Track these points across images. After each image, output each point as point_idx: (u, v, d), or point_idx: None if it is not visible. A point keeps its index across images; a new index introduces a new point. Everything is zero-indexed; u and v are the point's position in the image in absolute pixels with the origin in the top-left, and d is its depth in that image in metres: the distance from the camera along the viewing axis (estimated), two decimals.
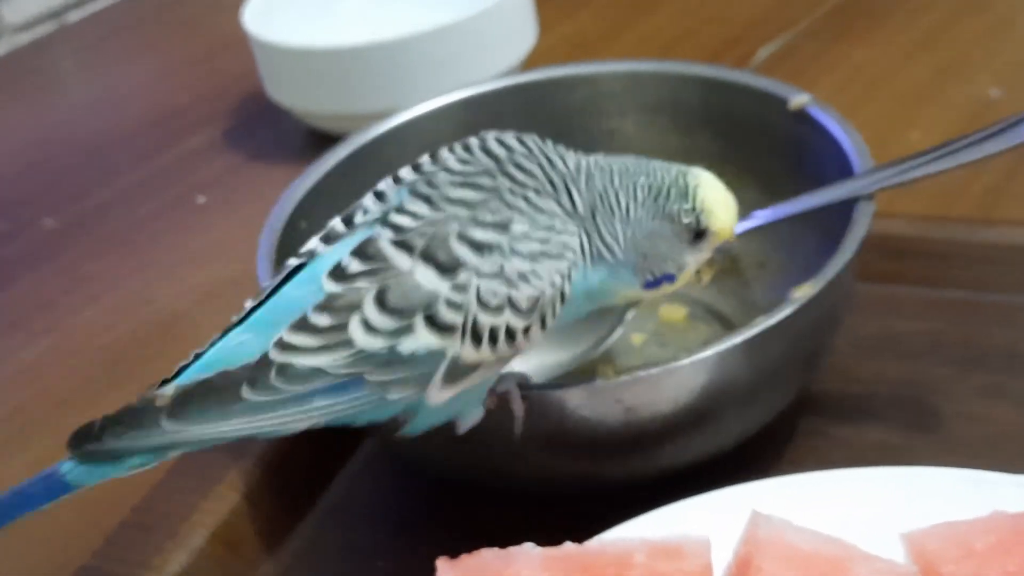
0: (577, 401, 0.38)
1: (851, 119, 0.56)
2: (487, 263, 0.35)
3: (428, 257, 0.35)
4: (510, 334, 0.35)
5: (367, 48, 0.67)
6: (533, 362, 0.50)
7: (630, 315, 0.49)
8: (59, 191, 0.75)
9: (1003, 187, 0.57)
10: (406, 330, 0.34)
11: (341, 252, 0.36)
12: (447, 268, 0.35)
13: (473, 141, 0.39)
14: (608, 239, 0.37)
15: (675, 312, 0.52)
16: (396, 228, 0.36)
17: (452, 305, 0.35)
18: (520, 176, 0.37)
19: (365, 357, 0.35)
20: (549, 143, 0.39)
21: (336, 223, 0.38)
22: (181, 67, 0.91)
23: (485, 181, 0.37)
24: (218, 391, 0.35)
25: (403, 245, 0.35)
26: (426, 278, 0.35)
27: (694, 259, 0.38)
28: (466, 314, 0.35)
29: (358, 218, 0.38)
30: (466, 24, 0.67)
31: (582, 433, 0.39)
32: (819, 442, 0.45)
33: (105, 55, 0.97)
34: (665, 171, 0.37)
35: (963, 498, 0.36)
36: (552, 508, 0.42)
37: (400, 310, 0.35)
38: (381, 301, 0.35)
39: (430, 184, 0.37)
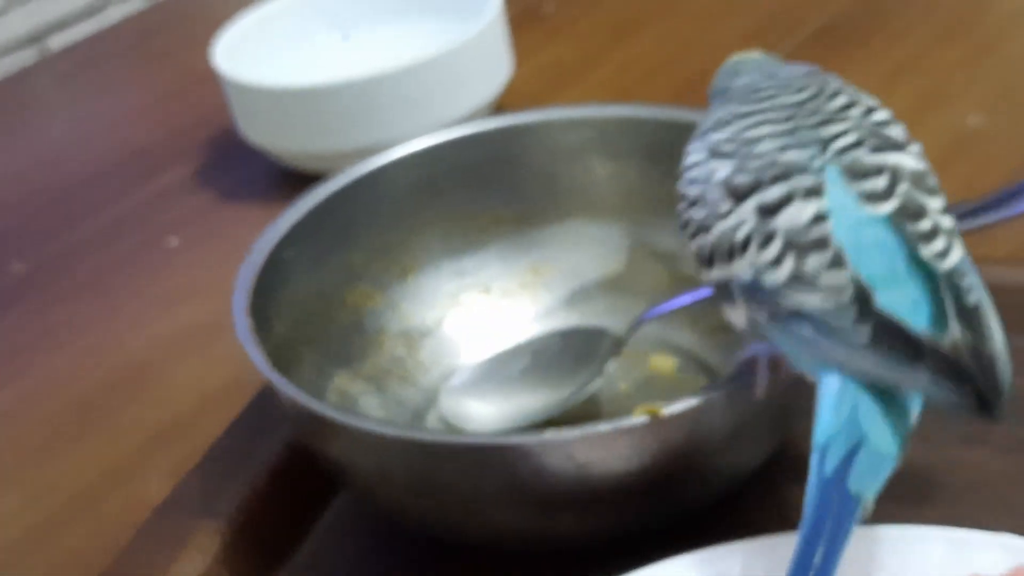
0: (528, 455, 0.37)
1: None
2: None
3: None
4: None
5: (339, 87, 0.66)
6: (512, 407, 0.49)
7: (611, 365, 0.48)
8: (28, 233, 0.74)
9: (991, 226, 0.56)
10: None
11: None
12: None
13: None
14: None
15: (665, 362, 0.51)
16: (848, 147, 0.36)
17: None
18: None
19: None
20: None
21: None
22: (156, 101, 0.90)
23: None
24: None
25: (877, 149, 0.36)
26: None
27: None
28: None
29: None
30: (438, 61, 0.66)
31: (535, 489, 0.38)
32: (795, 498, 0.44)
33: (81, 89, 0.96)
34: None
35: (940, 560, 0.35)
36: (527, 565, 0.41)
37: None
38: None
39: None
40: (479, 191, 0.54)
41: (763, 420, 0.40)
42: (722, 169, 0.37)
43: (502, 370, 0.51)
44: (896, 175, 0.36)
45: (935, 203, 0.36)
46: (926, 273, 0.34)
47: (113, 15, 1.12)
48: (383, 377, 0.51)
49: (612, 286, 0.54)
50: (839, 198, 0.35)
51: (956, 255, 0.35)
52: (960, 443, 0.45)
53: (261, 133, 0.70)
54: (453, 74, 0.67)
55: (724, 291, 0.37)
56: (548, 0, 0.90)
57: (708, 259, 0.37)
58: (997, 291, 0.47)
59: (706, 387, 0.38)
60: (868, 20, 0.78)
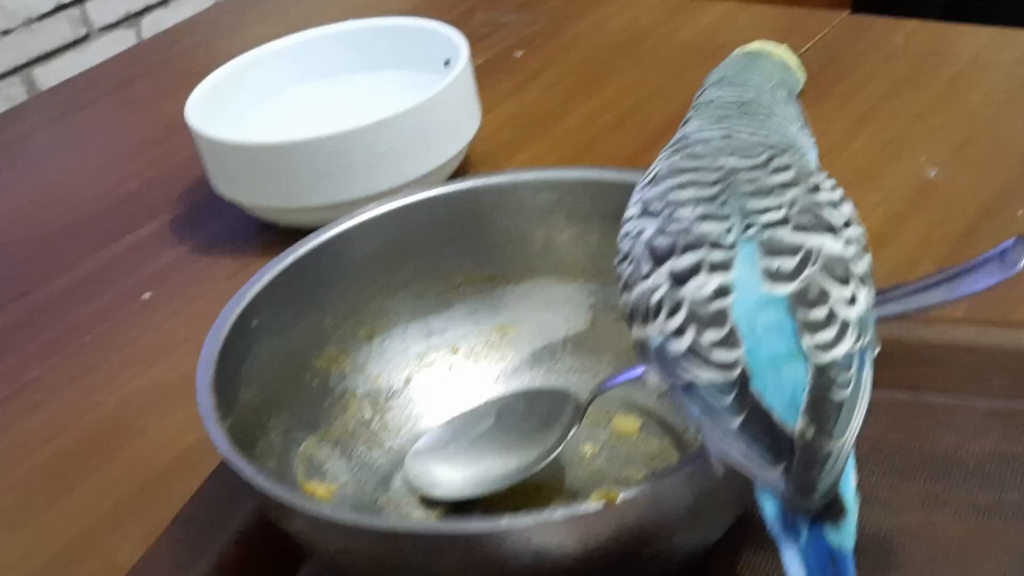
0: (483, 542, 0.38)
1: None
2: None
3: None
4: None
5: (309, 144, 0.67)
6: (478, 471, 0.50)
7: (573, 430, 0.49)
8: (2, 289, 0.74)
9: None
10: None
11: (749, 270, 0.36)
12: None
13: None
14: None
15: (629, 424, 0.51)
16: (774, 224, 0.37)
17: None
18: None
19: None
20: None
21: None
22: (132, 151, 0.90)
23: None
24: None
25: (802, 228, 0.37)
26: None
27: None
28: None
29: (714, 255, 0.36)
30: (406, 116, 0.67)
31: (492, 572, 0.38)
32: (760, 563, 0.45)
33: (58, 137, 0.97)
34: None
35: None
36: None
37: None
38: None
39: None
40: (448, 251, 0.55)
41: (722, 497, 0.41)
42: (648, 229, 0.38)
43: (467, 432, 0.52)
44: (809, 257, 0.36)
45: (842, 291, 0.36)
46: (806, 362, 0.34)
47: (98, 50, 1.12)
48: (350, 440, 0.52)
49: (579, 346, 0.55)
50: (745, 274, 0.35)
51: (844, 347, 0.35)
52: (920, 508, 0.46)
53: (233, 188, 0.71)
54: (422, 128, 0.68)
55: (642, 351, 0.38)
56: (516, 47, 0.92)
57: (630, 317, 0.38)
58: (898, 349, 0.48)
59: (660, 472, 0.38)
60: (831, 72, 0.79)
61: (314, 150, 0.67)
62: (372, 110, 0.68)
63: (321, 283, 0.53)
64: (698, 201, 0.38)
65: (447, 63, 0.74)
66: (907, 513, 0.46)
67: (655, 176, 0.40)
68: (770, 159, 0.39)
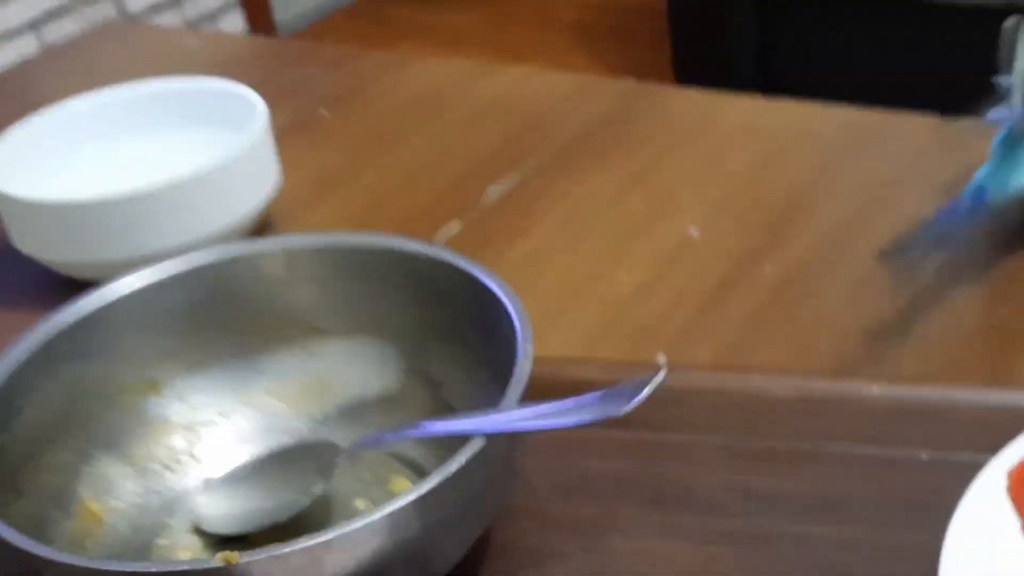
0: None
1: (568, 255, 0.67)
2: None
3: None
4: None
5: (104, 203, 0.69)
6: (252, 508, 0.53)
7: (335, 472, 0.53)
8: None
9: (693, 327, 0.64)
10: None
11: None
12: None
13: None
14: None
15: (402, 484, 0.54)
16: None
17: None
18: None
19: None
20: None
21: None
22: None
23: None
24: None
25: None
26: None
27: None
28: None
29: None
30: (200, 176, 0.70)
31: None
32: None
33: None
34: None
35: None
36: None
37: None
38: None
39: None
40: (264, 307, 0.58)
41: (451, 522, 0.45)
42: None
43: (252, 473, 0.55)
44: None
45: None
46: None
47: None
48: (149, 465, 0.55)
49: (384, 403, 0.58)
50: None
51: None
52: (658, 535, 0.51)
53: (32, 244, 0.73)
54: (217, 188, 0.71)
55: None
56: (322, 105, 0.95)
57: None
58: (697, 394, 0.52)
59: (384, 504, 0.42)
60: (611, 135, 0.85)
61: (109, 209, 0.69)
62: (169, 169, 0.70)
63: (96, 347, 0.56)
64: None
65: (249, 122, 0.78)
66: (647, 540, 0.50)
67: None
68: None
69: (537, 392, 0.50)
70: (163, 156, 0.79)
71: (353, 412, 0.58)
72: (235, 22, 3.18)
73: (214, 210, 0.71)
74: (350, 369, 0.58)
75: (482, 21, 3.24)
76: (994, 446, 0.48)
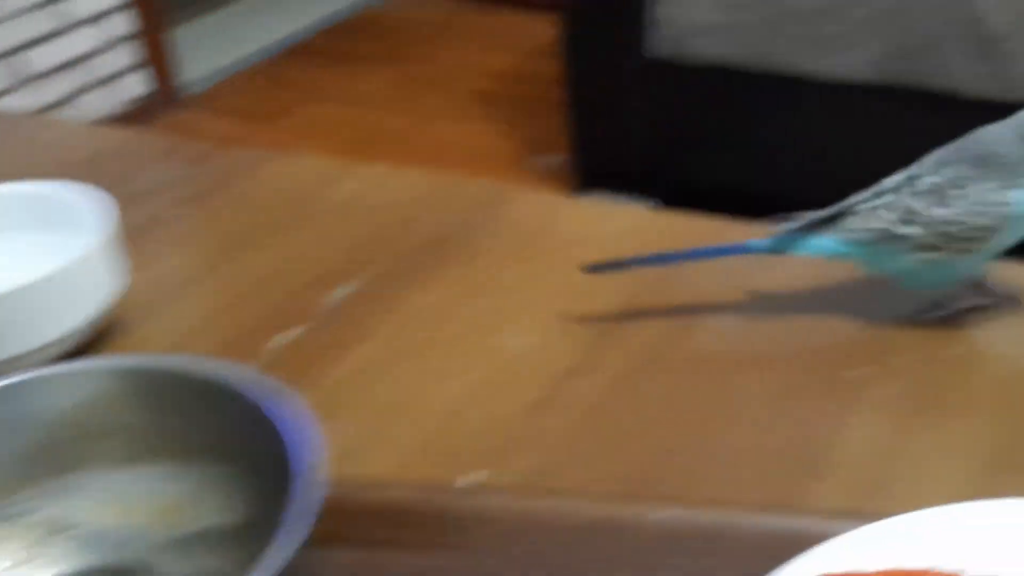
0: None
1: (395, 368, 0.71)
2: None
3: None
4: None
5: None
6: None
7: None
8: None
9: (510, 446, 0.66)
10: None
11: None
12: None
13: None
14: None
15: None
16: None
17: None
18: None
19: None
20: None
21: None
22: None
23: None
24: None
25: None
26: None
27: None
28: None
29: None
30: (36, 287, 0.71)
31: None
32: None
33: None
34: None
35: None
36: None
37: None
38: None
39: None
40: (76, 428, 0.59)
41: None
42: None
43: None
44: None
45: None
46: None
47: None
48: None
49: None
50: None
51: None
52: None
53: None
54: (52, 297, 0.72)
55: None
56: (180, 204, 0.97)
57: None
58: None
59: None
60: (453, 242, 0.87)
61: None
62: (6, 275, 0.72)
63: None
64: None
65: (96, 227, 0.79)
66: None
67: None
68: None
69: (343, 517, 0.52)
70: (4, 262, 0.80)
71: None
72: (139, 84, 3.19)
73: (46, 319, 0.72)
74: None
75: (388, 85, 3.27)
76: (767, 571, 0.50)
